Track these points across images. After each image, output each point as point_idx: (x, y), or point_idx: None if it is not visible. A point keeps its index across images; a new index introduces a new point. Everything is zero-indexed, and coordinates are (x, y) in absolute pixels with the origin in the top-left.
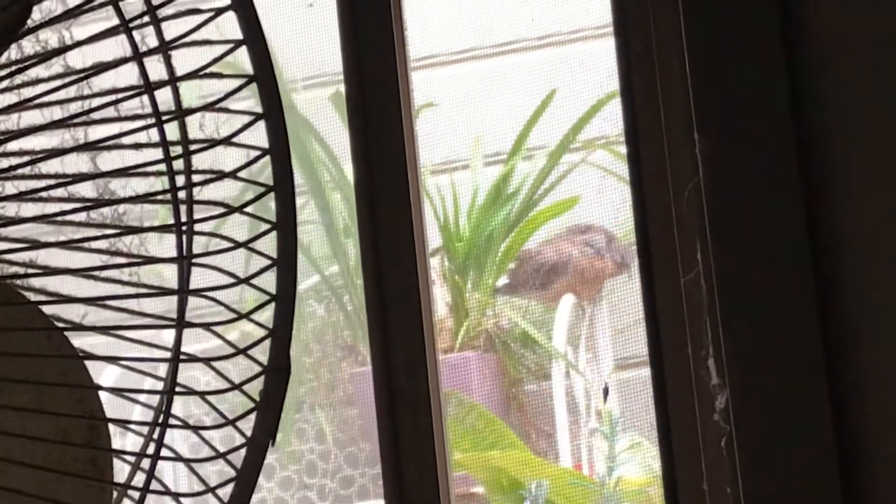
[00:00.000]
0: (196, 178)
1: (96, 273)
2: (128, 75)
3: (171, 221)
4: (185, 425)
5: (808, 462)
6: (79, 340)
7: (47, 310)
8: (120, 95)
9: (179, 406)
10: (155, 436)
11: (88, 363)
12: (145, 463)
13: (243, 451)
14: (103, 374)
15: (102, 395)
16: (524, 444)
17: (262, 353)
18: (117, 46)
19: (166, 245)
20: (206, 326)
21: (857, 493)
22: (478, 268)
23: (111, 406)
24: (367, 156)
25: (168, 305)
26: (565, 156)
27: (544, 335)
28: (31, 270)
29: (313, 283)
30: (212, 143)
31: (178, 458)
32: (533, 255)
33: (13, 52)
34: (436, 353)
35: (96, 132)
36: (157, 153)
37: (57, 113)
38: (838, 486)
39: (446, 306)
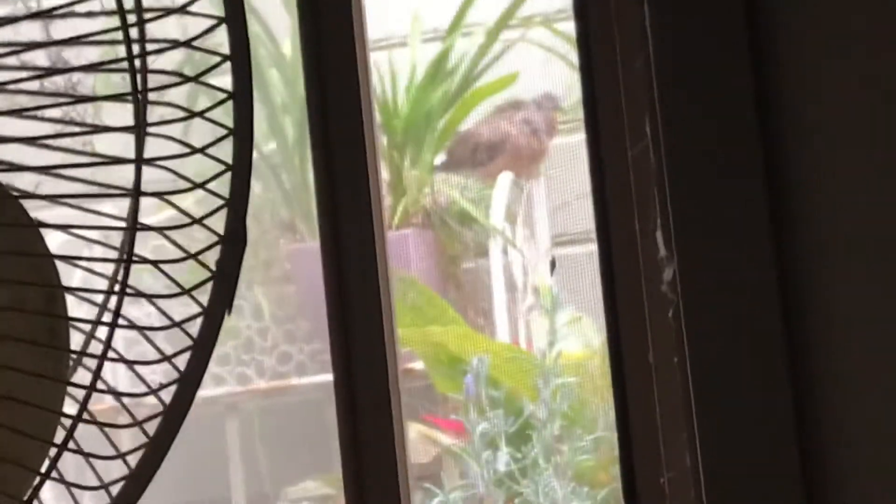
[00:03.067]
0: (152, 46)
1: (50, 142)
2: None
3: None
4: (141, 294)
5: (755, 331)
6: (32, 213)
7: (0, 179)
8: None
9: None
10: (111, 305)
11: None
12: (101, 334)
13: (199, 321)
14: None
15: None
16: (463, 320)
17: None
18: None
19: (116, 121)
20: (161, 195)
21: (806, 360)
22: (416, 145)
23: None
24: (315, 30)
25: (124, 177)
26: (504, 33)
27: (482, 212)
28: None
29: None
30: (167, 11)
31: (134, 326)
32: (471, 133)
33: None
34: (383, 229)
35: (49, 1)
36: (110, 23)
37: None
38: (785, 351)
39: (384, 183)
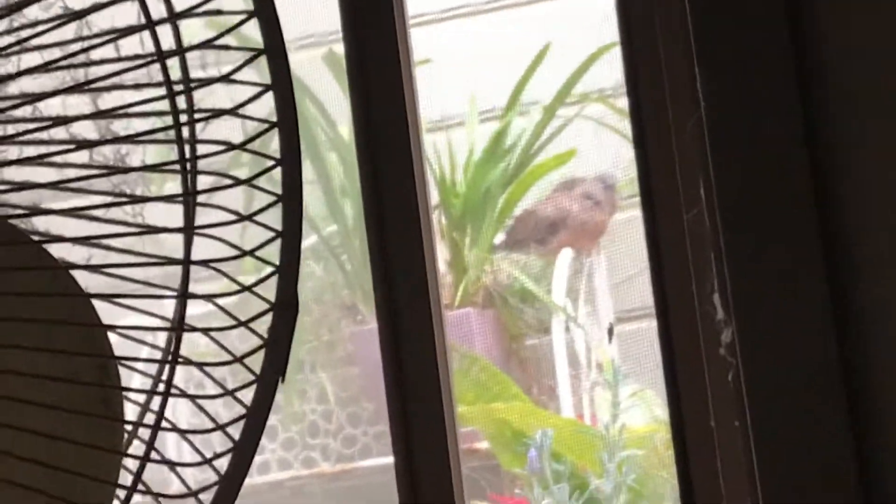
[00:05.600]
0: (200, 115)
1: (100, 214)
2: (125, 17)
3: (173, 158)
4: (194, 363)
5: (816, 391)
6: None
7: (53, 254)
8: (119, 34)
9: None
10: (164, 376)
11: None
12: (154, 405)
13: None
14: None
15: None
16: (527, 396)
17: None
18: None
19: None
20: (209, 263)
21: (866, 417)
22: (476, 224)
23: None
24: (368, 114)
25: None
26: (560, 109)
27: (543, 290)
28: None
29: (311, 244)
30: (213, 80)
31: (187, 395)
32: (531, 210)
33: None
34: (440, 308)
35: (97, 73)
36: (159, 93)
37: (56, 54)
38: (846, 411)
39: (445, 263)
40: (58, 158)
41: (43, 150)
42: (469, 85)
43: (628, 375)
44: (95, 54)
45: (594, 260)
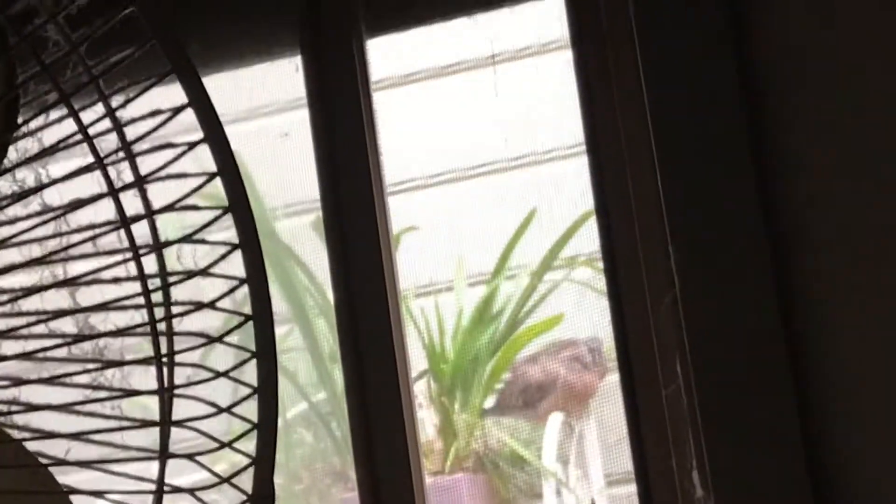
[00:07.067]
0: (176, 309)
1: (79, 408)
2: (105, 211)
3: (151, 350)
4: None
5: None
6: (64, 477)
7: (31, 447)
8: (97, 231)
9: None
10: None
11: (75, 499)
12: None
13: None
14: None
15: None
16: None
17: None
18: (93, 183)
19: (151, 378)
20: (190, 457)
21: None
22: (465, 389)
23: None
24: (348, 281)
25: (154, 437)
26: (548, 274)
27: (534, 454)
28: (14, 408)
29: (301, 411)
30: (189, 275)
31: None
32: (519, 375)
33: None
34: (422, 475)
35: (75, 268)
36: (137, 287)
37: (35, 251)
38: None
39: (434, 428)
40: (37, 353)
41: (22, 345)
42: (456, 250)
43: None
44: (73, 249)
45: (584, 423)
